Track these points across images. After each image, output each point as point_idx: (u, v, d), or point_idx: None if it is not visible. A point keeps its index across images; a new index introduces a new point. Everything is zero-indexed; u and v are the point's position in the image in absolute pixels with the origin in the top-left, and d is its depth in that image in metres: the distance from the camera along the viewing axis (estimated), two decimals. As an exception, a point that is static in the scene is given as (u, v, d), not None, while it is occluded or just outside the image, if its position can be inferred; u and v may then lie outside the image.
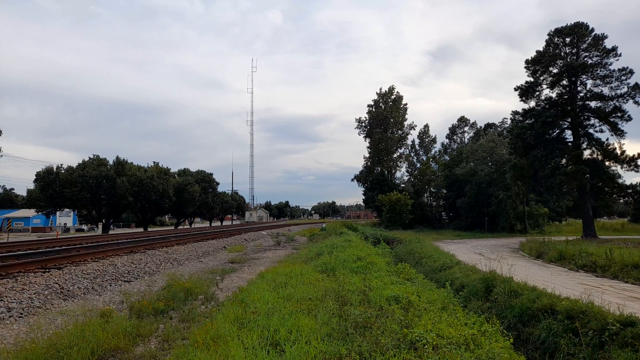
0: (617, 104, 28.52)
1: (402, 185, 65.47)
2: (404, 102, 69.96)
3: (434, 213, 61.98)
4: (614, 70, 28.69)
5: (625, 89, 28.38)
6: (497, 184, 42.52)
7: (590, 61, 29.50)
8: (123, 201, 42.53)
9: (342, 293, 8.49)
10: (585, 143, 30.08)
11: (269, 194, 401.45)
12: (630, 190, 30.16)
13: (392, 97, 69.49)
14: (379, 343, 5.43)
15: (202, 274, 13.93)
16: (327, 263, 13.37)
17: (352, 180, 72.12)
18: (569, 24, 30.20)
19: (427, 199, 65.78)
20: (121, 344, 6.08)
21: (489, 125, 66.53)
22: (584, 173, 27.95)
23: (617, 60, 28.86)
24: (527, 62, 31.46)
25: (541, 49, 31.14)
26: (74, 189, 39.12)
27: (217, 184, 72.93)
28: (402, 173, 71.37)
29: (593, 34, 29.48)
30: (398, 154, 70.53)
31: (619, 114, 28.36)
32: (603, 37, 29.21)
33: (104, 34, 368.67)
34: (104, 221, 44.92)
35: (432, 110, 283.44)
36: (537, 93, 31.59)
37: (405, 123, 70.15)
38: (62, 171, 40.26)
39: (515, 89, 32.09)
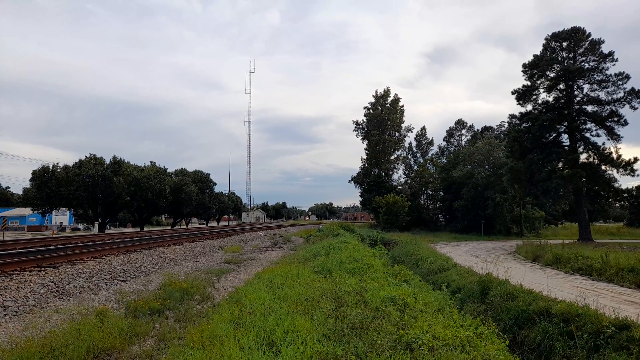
0: (614, 108, 28.64)
1: (399, 187, 65.54)
2: (401, 104, 70.14)
3: (431, 215, 61.96)
4: (610, 75, 28.81)
5: (621, 94, 28.50)
6: (494, 187, 42.62)
7: (587, 65, 29.63)
8: (119, 200, 42.41)
9: (338, 294, 8.50)
10: (582, 147, 30.20)
11: (266, 195, 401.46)
12: (626, 195, 30.31)
13: (389, 99, 69.63)
14: (375, 344, 5.44)
15: (199, 274, 13.89)
16: (323, 264, 13.39)
17: (349, 181, 72.04)
18: (566, 29, 30.35)
19: (424, 201, 65.79)
20: (117, 343, 6.06)
21: (486, 128, 66.75)
22: (580, 177, 28.05)
23: (614, 65, 29.00)
24: (524, 65, 31.58)
25: (538, 53, 31.32)
26: (70, 188, 38.96)
27: (214, 184, 72.85)
28: (399, 175, 71.45)
29: (590, 38, 29.65)
30: (395, 156, 70.60)
31: (615, 119, 28.48)
32: (600, 41, 29.38)
33: (101, 33, 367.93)
34: (100, 220, 44.72)
35: (429, 113, 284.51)
36: (534, 97, 31.70)
37: (403, 125, 70.25)
38: (59, 170, 40.11)
39: (513, 92, 32.20)
